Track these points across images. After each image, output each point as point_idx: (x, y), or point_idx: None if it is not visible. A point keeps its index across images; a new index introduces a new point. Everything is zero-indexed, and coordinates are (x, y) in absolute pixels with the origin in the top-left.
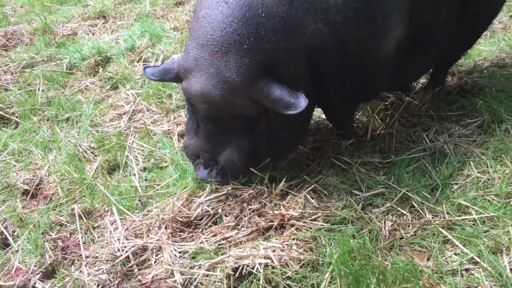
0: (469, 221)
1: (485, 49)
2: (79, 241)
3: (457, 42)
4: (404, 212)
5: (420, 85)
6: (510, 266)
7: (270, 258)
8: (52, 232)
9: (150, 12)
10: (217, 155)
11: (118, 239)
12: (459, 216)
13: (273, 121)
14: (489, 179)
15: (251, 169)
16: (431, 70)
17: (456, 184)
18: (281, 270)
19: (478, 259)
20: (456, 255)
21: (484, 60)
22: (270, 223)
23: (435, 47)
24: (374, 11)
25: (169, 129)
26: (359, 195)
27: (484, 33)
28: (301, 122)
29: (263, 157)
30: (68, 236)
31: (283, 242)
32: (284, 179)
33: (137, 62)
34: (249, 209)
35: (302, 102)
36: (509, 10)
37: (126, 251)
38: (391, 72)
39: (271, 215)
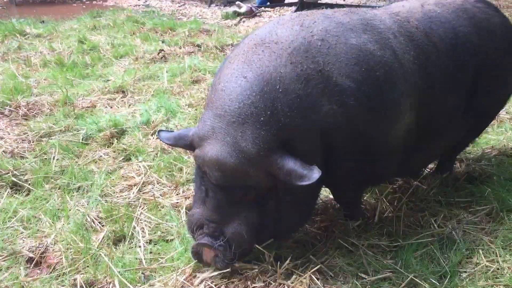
0: None
1: (492, 138)
2: None
3: (465, 131)
4: None
5: (428, 170)
6: None
7: None
8: None
9: (168, 89)
10: (224, 226)
11: None
12: None
13: (282, 198)
14: (498, 269)
15: (257, 246)
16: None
17: (465, 272)
18: None
19: None
20: None
21: (492, 148)
22: None
23: (443, 135)
24: (384, 98)
25: (177, 202)
26: (365, 278)
27: (491, 122)
28: (308, 201)
29: (269, 235)
30: None
31: None
32: (290, 258)
33: (151, 135)
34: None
35: (316, 173)
36: None
37: None
38: (400, 158)
39: None
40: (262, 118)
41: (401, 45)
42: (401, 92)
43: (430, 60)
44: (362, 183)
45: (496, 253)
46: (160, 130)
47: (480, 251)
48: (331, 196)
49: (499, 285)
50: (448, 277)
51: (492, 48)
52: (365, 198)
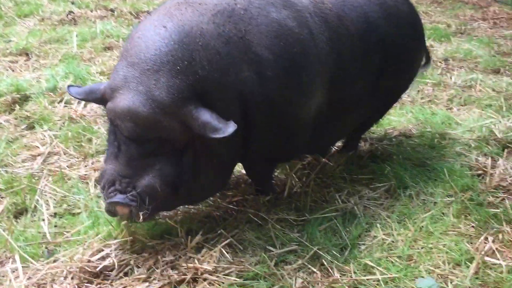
0: (374, 281)
1: (394, 119)
2: None
3: (371, 111)
4: (315, 270)
5: (336, 148)
6: None
7: None
8: None
9: (77, 54)
10: (137, 180)
11: None
12: (365, 276)
13: (199, 155)
14: (393, 241)
15: (168, 220)
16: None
17: (364, 244)
18: None
19: None
20: None
21: (393, 129)
22: (183, 276)
23: (351, 114)
24: (300, 74)
25: (85, 174)
26: (273, 251)
27: (394, 105)
28: (225, 163)
29: (186, 194)
30: None
31: None
32: (201, 232)
33: (58, 103)
34: (162, 261)
35: (231, 127)
36: (418, 86)
37: None
38: (310, 135)
39: (185, 268)
40: (178, 67)
41: (316, 25)
42: (315, 70)
43: (342, 42)
44: (274, 159)
45: (391, 227)
46: (70, 85)
47: (378, 225)
48: (243, 172)
49: (393, 256)
50: (349, 249)
51: (399, 34)
52: (276, 174)
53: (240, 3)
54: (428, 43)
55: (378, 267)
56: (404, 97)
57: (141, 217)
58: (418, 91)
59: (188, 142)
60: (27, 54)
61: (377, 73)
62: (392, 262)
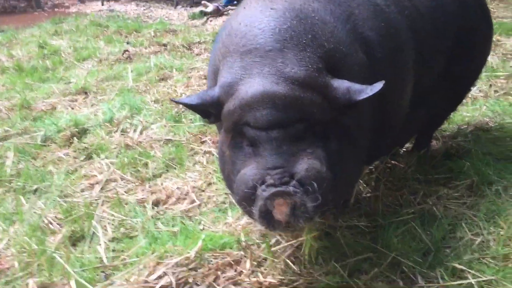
0: (466, 285)
1: (467, 115)
2: None
3: (442, 102)
4: (395, 278)
5: (405, 149)
6: None
7: None
8: None
9: (133, 88)
10: (291, 167)
11: None
12: (455, 280)
13: (340, 140)
14: (483, 241)
15: (227, 234)
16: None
17: (449, 247)
18: None
19: None
20: None
21: (467, 125)
22: None
23: (424, 106)
24: (398, 56)
25: (143, 198)
26: (344, 260)
27: (465, 100)
28: (361, 149)
29: (336, 187)
30: None
31: None
32: (264, 244)
33: (115, 132)
34: (223, 277)
35: (377, 84)
36: (489, 80)
37: None
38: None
39: (248, 283)
40: (303, 41)
41: (394, 6)
42: (408, 53)
43: (416, 23)
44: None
45: (479, 226)
46: (172, 99)
47: (463, 225)
48: None
49: (486, 257)
50: (432, 253)
51: (468, 16)
52: None
53: None
54: (495, 38)
55: (469, 270)
56: (476, 92)
57: (310, 211)
58: (490, 85)
59: (329, 124)
60: (85, 93)
61: (448, 57)
62: (486, 264)
